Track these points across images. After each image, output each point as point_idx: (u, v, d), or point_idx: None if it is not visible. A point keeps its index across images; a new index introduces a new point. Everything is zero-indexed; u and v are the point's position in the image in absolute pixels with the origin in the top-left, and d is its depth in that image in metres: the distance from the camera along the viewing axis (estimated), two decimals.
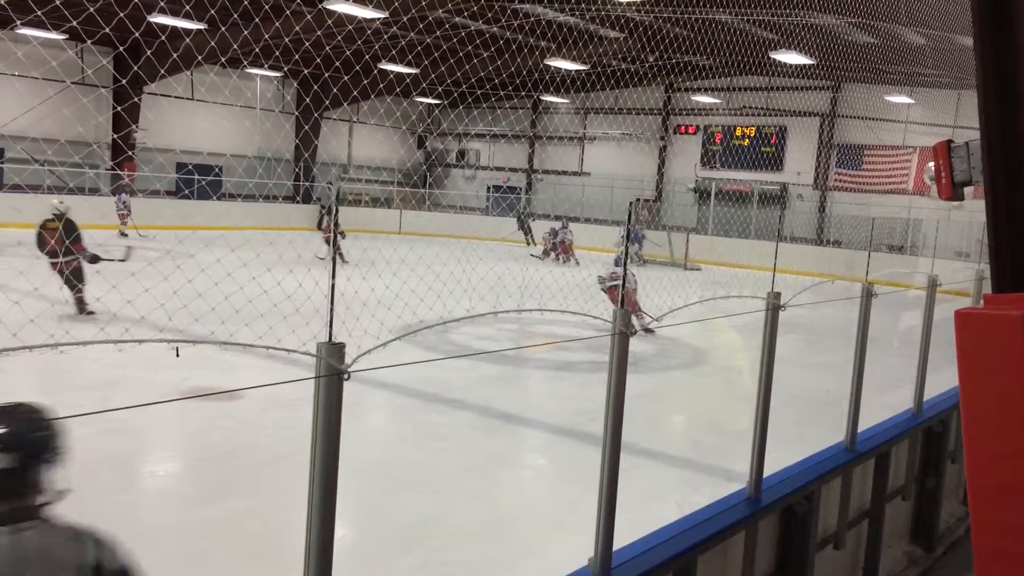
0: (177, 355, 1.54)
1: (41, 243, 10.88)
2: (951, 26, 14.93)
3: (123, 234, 21.79)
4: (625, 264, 3.41)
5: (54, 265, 10.58)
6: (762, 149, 29.61)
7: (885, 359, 7.99)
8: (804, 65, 21.65)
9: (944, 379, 6.52)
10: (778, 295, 3.73)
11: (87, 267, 10.79)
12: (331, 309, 1.66)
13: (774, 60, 20.71)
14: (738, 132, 30.13)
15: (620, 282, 13.70)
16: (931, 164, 2.24)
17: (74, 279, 10.62)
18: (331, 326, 1.66)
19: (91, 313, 10.55)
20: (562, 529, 5.35)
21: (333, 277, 1.67)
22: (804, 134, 28.60)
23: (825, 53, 20.00)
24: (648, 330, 12.64)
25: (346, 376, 1.66)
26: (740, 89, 28.43)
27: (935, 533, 6.09)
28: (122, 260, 10.66)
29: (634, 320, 12.77)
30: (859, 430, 4.93)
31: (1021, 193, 1.78)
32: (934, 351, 6.04)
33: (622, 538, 3.00)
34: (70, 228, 10.69)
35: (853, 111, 27.10)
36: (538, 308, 2.82)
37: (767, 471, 3.94)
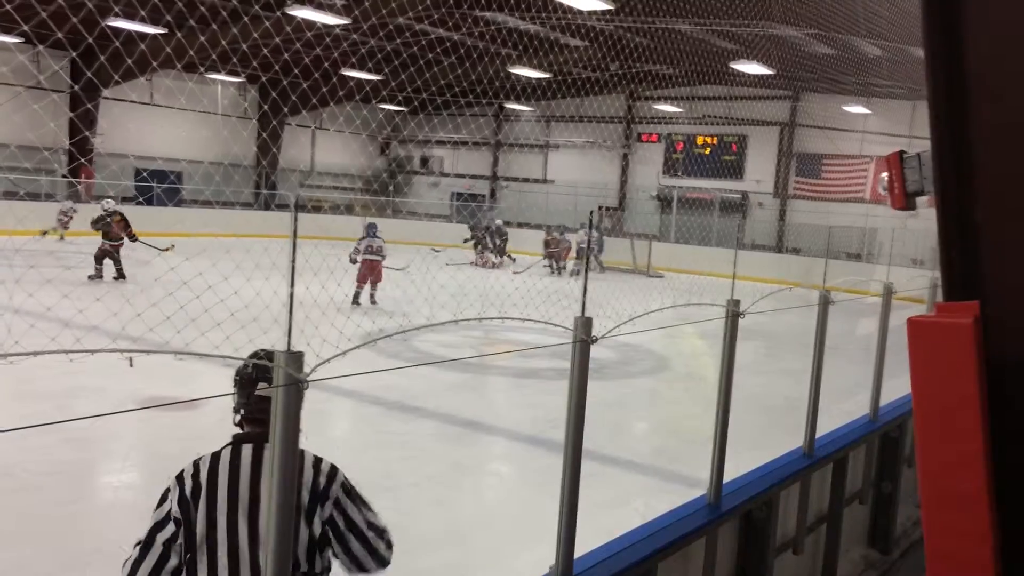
0: (131, 365, 1.51)
1: (101, 224, 15.14)
2: (906, 38, 15.25)
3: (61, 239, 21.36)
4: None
5: (112, 246, 15.06)
6: (723, 158, 29.96)
7: (842, 365, 8.11)
8: (764, 75, 21.97)
9: (900, 385, 6.64)
10: (737, 302, 3.76)
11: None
12: (290, 317, 1.65)
13: (734, 70, 20.99)
14: (699, 141, 30.45)
15: (377, 257, 14.45)
16: (885, 174, 2.28)
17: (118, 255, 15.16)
18: (289, 334, 1.65)
19: (123, 278, 14.97)
20: (527, 537, 5.35)
21: (292, 285, 1.66)
22: (764, 143, 29.00)
23: (784, 63, 20.32)
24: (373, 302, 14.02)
25: (305, 385, 1.65)
26: (701, 98, 28.75)
27: (892, 537, 6.18)
28: (163, 250, 14.73)
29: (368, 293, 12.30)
30: (817, 436, 4.99)
31: (970, 202, 1.82)
32: (890, 357, 6.14)
33: (586, 545, 3.01)
34: (126, 220, 15.31)
35: (812, 121, 27.55)
36: (500, 316, 2.82)
37: (727, 477, 3.97)
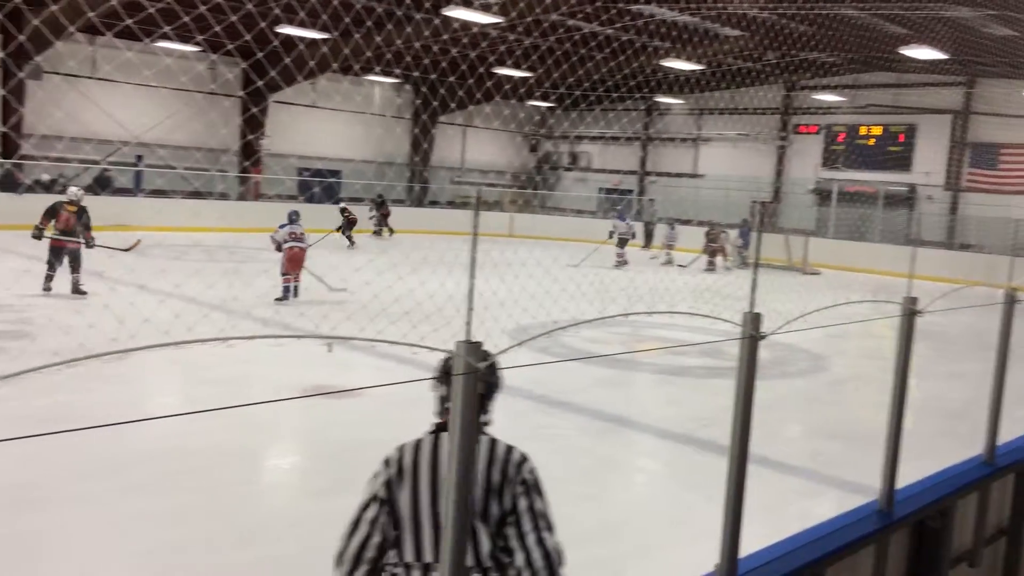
0: (329, 350, 1.61)
1: (52, 216, 11.97)
2: None
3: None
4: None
5: (58, 242, 11.88)
6: (889, 148, 28.36)
7: (1020, 372, 7.54)
8: (935, 60, 20.66)
9: None
10: (914, 300, 3.56)
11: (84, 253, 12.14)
12: (469, 308, 1.71)
13: (903, 55, 19.86)
14: (863, 131, 28.96)
15: (301, 244, 12.55)
16: None
17: (76, 261, 11.95)
18: (469, 324, 1.71)
19: (84, 293, 11.76)
20: (678, 535, 5.29)
21: (472, 277, 1.72)
22: (935, 132, 27.23)
23: (959, 47, 19.03)
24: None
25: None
26: (866, 86, 27.37)
27: None
28: (126, 250, 12.36)
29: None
30: (998, 443, 4.66)
31: None
32: None
33: (742, 546, 2.94)
34: (83, 215, 12.03)
35: (989, 108, 25.64)
36: (668, 311, 2.79)
37: (897, 484, 3.78)
